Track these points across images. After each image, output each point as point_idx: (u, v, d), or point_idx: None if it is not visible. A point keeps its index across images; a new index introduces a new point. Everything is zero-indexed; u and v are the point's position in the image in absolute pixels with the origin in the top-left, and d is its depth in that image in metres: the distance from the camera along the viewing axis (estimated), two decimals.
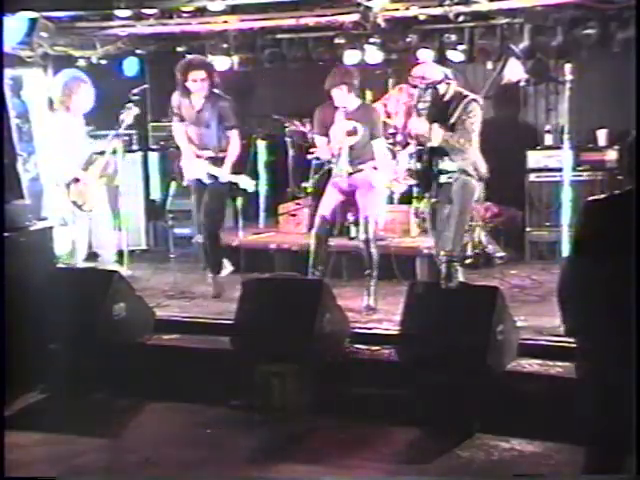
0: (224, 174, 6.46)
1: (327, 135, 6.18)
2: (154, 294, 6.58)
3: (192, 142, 6.63)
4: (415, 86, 5.93)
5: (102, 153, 6.95)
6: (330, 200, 6.24)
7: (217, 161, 6.53)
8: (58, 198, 6.98)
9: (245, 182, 6.44)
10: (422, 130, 5.74)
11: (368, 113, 6.22)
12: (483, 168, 5.89)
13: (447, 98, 5.83)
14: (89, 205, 6.87)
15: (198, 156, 6.58)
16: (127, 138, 7.36)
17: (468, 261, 6.17)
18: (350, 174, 6.09)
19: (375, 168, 6.19)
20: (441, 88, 5.83)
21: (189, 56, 6.72)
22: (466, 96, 5.83)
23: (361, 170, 6.12)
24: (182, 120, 6.66)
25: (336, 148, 6.09)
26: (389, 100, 8.07)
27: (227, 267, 6.75)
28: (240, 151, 6.68)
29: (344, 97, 6.05)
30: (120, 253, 7.18)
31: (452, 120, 5.73)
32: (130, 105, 6.80)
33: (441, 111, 5.80)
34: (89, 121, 7.07)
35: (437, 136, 5.68)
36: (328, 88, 6.07)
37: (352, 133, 6.06)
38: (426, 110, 5.83)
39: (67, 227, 6.96)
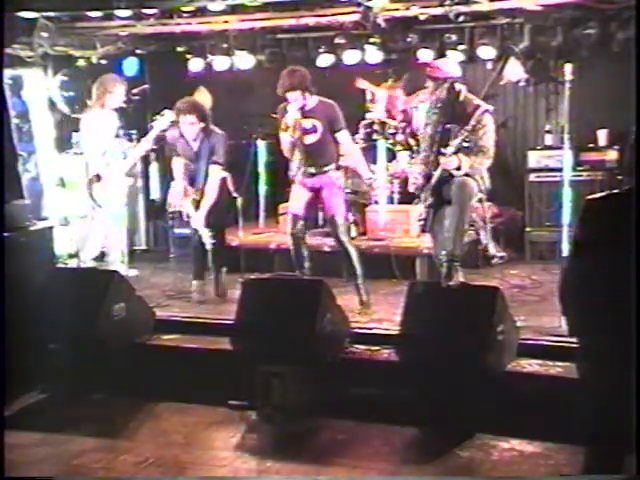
0: (197, 220, 6.41)
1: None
2: (154, 294, 6.57)
3: (186, 176, 6.57)
4: (432, 78, 5.86)
5: (130, 153, 7.00)
6: (298, 198, 6.21)
7: (197, 203, 6.46)
8: (75, 194, 7.02)
9: (206, 237, 6.35)
10: (453, 166, 5.68)
11: (326, 109, 6.07)
12: (486, 181, 5.90)
13: (459, 101, 5.80)
14: (106, 202, 6.90)
15: (186, 192, 6.51)
16: (127, 138, 7.37)
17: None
18: (313, 174, 6.07)
19: (338, 168, 6.13)
20: (456, 86, 5.82)
21: (181, 101, 6.57)
22: (478, 106, 5.77)
23: (325, 171, 6.05)
24: (178, 154, 6.59)
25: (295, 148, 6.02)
26: (388, 99, 8.09)
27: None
28: (217, 194, 6.47)
29: (298, 99, 5.93)
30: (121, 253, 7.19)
31: (465, 132, 5.68)
32: (166, 111, 6.81)
33: (452, 118, 5.78)
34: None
35: (466, 165, 5.68)
36: (281, 94, 5.95)
37: (311, 131, 5.99)
38: (437, 112, 5.83)
39: (68, 227, 6.98)
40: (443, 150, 5.70)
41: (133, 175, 7.09)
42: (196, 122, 6.36)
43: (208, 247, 6.38)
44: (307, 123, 5.99)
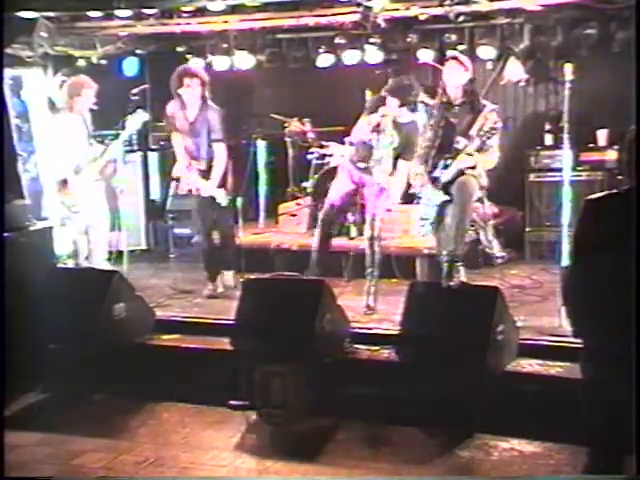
0: (208, 188, 6.55)
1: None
2: (154, 294, 6.57)
3: (187, 152, 6.71)
4: (448, 102, 5.90)
5: (102, 154, 6.95)
6: (341, 186, 6.22)
7: (205, 174, 6.62)
8: (53, 199, 6.98)
9: (220, 197, 6.54)
10: (470, 165, 5.73)
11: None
12: (484, 180, 5.90)
13: (468, 100, 5.82)
14: (78, 207, 6.81)
15: (190, 166, 6.67)
16: (127, 140, 7.34)
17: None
18: (362, 169, 6.05)
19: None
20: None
21: (183, 65, 6.79)
22: (484, 105, 5.78)
23: (374, 168, 6.01)
24: (176, 130, 6.72)
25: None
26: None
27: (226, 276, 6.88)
28: (226, 165, 6.68)
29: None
30: (120, 253, 7.16)
31: (471, 130, 5.67)
32: (139, 110, 6.80)
33: (456, 117, 5.78)
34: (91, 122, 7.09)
35: (480, 165, 5.70)
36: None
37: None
38: (443, 111, 5.84)
39: (67, 227, 6.94)
40: (462, 147, 5.69)
41: (105, 177, 7.02)
42: (199, 86, 6.52)
43: (224, 203, 6.56)
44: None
